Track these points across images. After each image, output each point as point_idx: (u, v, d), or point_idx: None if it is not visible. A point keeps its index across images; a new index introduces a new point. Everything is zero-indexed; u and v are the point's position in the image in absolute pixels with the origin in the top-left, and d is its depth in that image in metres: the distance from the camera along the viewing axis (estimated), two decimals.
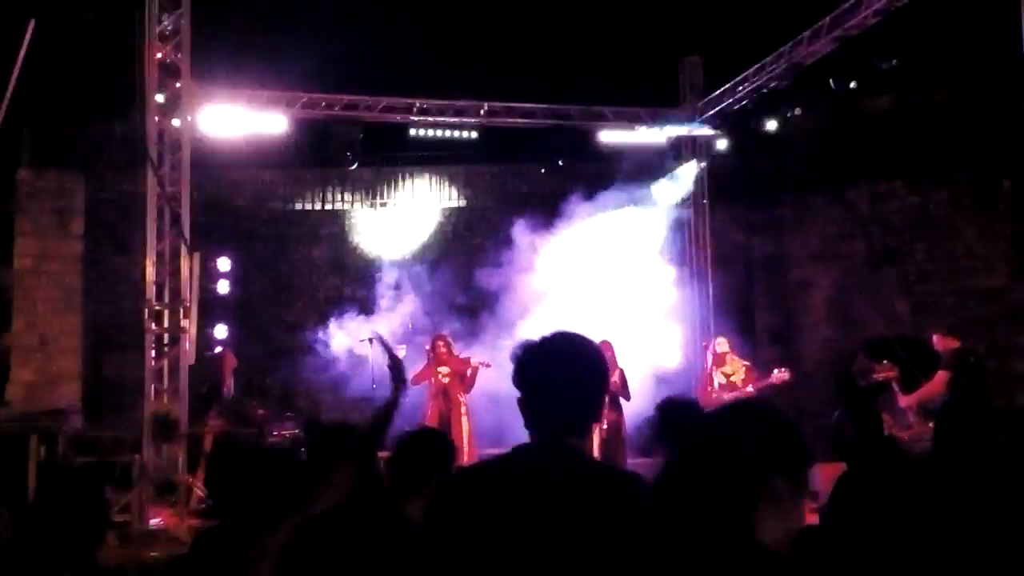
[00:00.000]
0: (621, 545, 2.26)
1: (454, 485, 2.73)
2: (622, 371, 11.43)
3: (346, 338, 14.11)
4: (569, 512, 2.36)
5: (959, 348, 10.40)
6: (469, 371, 11.87)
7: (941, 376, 10.05)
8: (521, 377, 2.59)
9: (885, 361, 10.65)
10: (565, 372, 2.55)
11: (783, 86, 13.62)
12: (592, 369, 2.61)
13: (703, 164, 15.22)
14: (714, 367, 11.76)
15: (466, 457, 11.54)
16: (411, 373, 12.20)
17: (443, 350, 11.81)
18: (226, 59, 12.80)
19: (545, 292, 13.80)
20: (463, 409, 11.79)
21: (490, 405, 13.57)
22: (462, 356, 12.00)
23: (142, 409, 11.11)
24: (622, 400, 11.31)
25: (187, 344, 11.27)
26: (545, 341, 2.62)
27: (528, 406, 2.57)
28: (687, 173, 15.45)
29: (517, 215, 14.60)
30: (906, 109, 13.67)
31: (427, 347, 12.22)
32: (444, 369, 11.74)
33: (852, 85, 12.37)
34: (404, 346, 14.03)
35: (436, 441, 4.04)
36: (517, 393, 2.59)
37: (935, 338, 10.56)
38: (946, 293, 14.43)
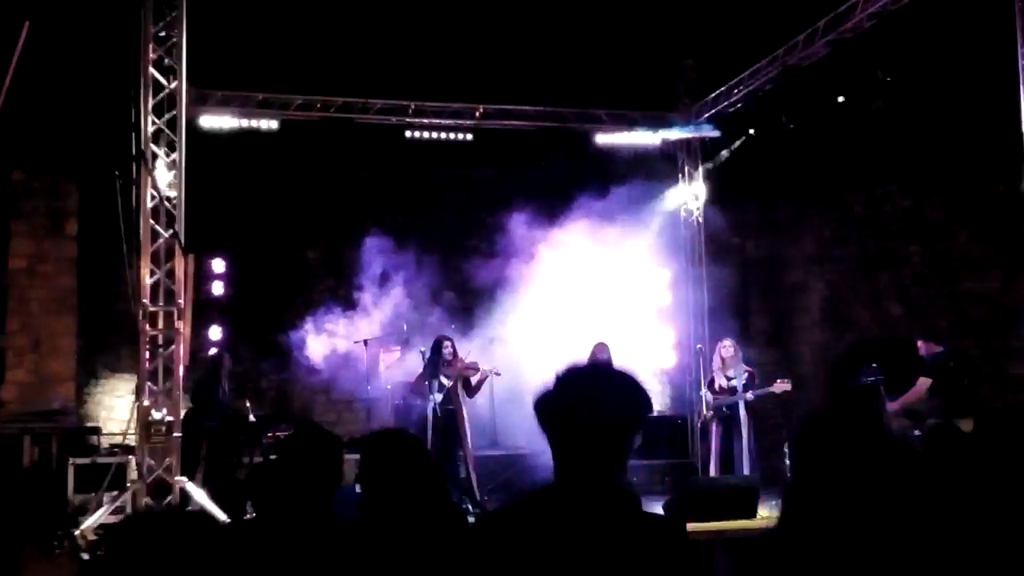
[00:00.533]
0: None
1: (478, 530, 2.63)
2: None
3: (340, 340, 14.13)
4: (600, 562, 2.29)
5: (940, 353, 10.67)
6: (477, 376, 11.82)
7: (923, 382, 10.35)
8: (549, 413, 2.46)
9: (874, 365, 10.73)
10: (595, 409, 2.42)
11: (778, 89, 13.66)
12: (628, 407, 2.48)
13: (704, 166, 15.24)
14: (720, 370, 11.76)
15: (470, 461, 11.51)
16: (414, 375, 12.21)
17: (448, 352, 11.74)
18: (221, 60, 12.79)
19: (541, 293, 13.83)
20: (465, 413, 11.77)
21: (487, 404, 13.63)
22: (467, 360, 11.93)
23: (136, 410, 11.11)
24: None
25: (181, 346, 11.26)
26: (581, 376, 2.50)
27: (555, 442, 2.45)
28: (681, 175, 15.49)
29: (513, 217, 14.62)
30: (901, 113, 13.68)
31: (421, 349, 12.20)
32: (450, 372, 11.69)
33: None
34: (398, 348, 14.07)
35: (405, 442, 3.95)
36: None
37: (919, 343, 10.81)
38: (941, 296, 14.45)
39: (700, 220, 15.43)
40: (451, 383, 11.65)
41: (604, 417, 2.39)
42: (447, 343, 11.76)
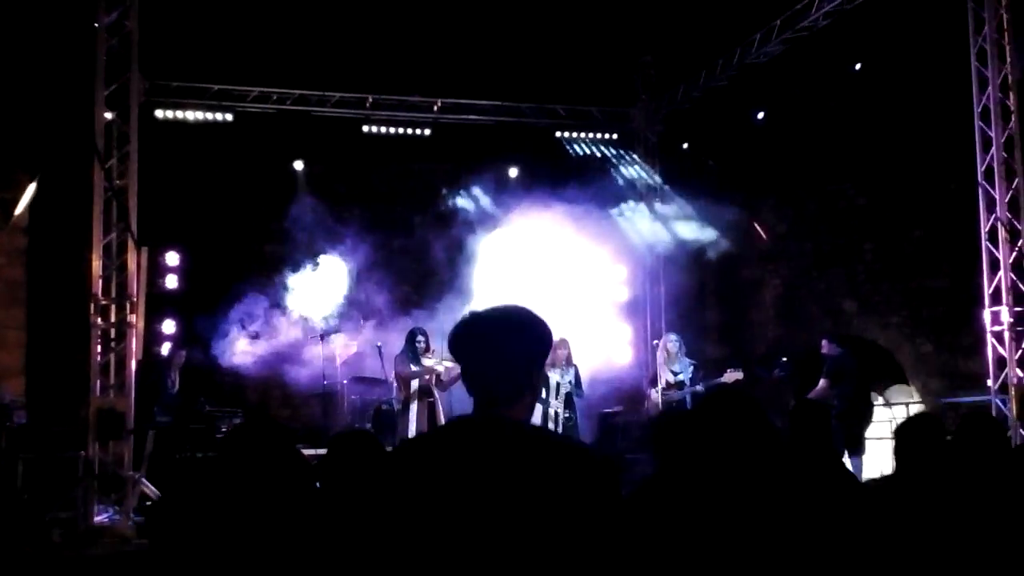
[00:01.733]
0: (562, 518, 2.27)
1: (391, 458, 2.74)
2: (576, 368, 11.47)
3: (296, 333, 14.04)
4: (503, 481, 2.35)
5: (840, 355, 11.40)
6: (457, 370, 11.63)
7: (823, 384, 11.12)
8: (458, 346, 2.63)
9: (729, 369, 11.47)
10: (497, 341, 2.58)
11: (734, 87, 13.75)
12: (527, 339, 2.63)
13: (656, 163, 15.31)
14: (664, 365, 11.81)
15: None
16: (389, 369, 12.08)
17: (422, 345, 11.54)
18: (176, 51, 12.66)
19: (498, 288, 13.80)
20: (440, 406, 11.60)
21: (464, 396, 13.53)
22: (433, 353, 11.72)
23: (87, 405, 10.97)
24: (575, 398, 11.36)
25: (134, 339, 11.13)
26: (484, 312, 2.66)
27: (465, 376, 2.61)
28: (639, 172, 15.55)
29: (469, 212, 14.60)
30: (855, 112, 13.82)
31: (378, 343, 12.10)
32: (429, 364, 11.50)
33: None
34: (355, 342, 13.99)
35: (368, 442, 4.02)
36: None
37: (823, 343, 11.62)
38: (893, 293, 14.62)
39: (656, 216, 15.46)
40: (429, 376, 11.48)
41: (508, 351, 2.56)
42: (420, 336, 11.55)
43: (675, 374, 11.61)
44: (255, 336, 13.93)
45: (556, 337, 11.71)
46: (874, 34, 12.38)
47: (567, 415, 11.20)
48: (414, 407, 11.23)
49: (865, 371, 11.68)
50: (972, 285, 11.53)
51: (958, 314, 13.27)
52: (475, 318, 2.63)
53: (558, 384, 11.25)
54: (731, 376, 11.40)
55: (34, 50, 12.16)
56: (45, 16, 11.96)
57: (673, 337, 11.94)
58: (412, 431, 11.07)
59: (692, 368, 11.63)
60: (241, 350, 13.94)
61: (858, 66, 12.96)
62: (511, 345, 2.58)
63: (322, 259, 14.31)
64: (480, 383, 2.57)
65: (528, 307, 2.69)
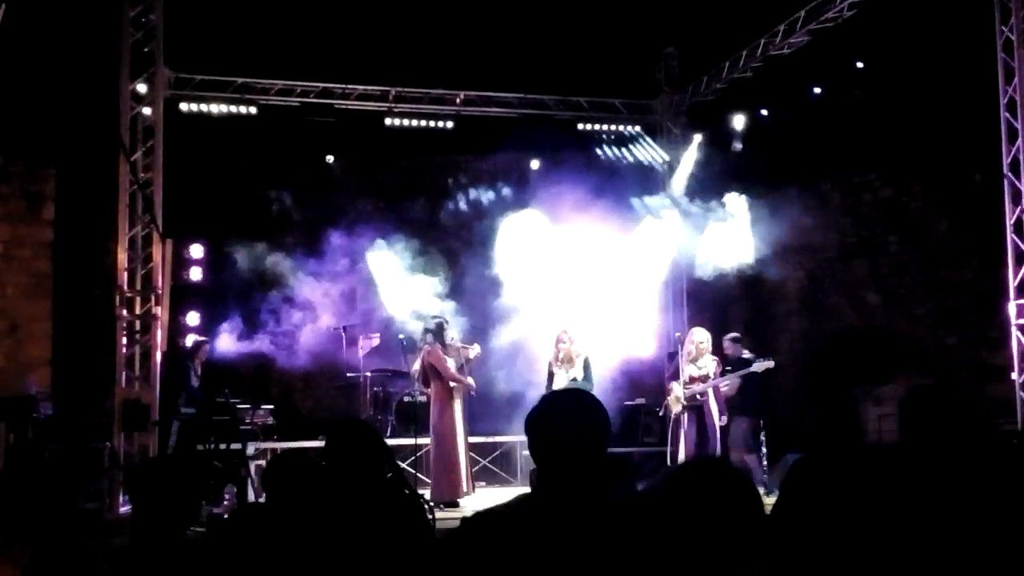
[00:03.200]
0: None
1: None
2: (586, 358, 11.47)
3: (319, 326, 14.10)
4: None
5: (743, 358, 11.98)
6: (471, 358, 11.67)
7: (735, 383, 11.59)
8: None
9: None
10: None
11: (759, 78, 13.69)
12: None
13: (690, 155, 15.17)
14: (688, 360, 11.76)
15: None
16: (411, 361, 12.12)
17: (451, 337, 11.54)
18: (200, 46, 12.72)
19: (522, 282, 13.80)
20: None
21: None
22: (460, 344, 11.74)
23: (113, 396, 11.07)
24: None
25: (158, 331, 11.22)
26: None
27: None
28: (662, 164, 15.50)
29: (493, 205, 14.60)
30: (879, 102, 13.73)
31: (400, 336, 12.11)
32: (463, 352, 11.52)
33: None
34: (377, 335, 14.04)
35: (367, 432, 4.22)
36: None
37: (725, 343, 12.38)
38: (917, 285, 14.53)
39: (679, 208, 15.39)
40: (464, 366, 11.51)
41: (580, 442, 2.79)
42: (447, 327, 11.55)
43: (699, 368, 11.58)
44: (278, 328, 14.00)
45: (559, 330, 11.76)
46: (900, 24, 12.29)
47: None
48: (458, 404, 11.24)
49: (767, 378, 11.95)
50: (997, 277, 11.46)
51: (983, 306, 13.18)
52: (553, 410, 2.91)
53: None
54: (761, 365, 11.39)
55: (60, 44, 12.25)
56: (71, 10, 12.04)
57: (701, 332, 11.86)
58: (460, 430, 11.09)
59: (715, 363, 11.59)
60: (263, 342, 14.03)
61: (859, 63, 12.90)
62: (585, 439, 2.81)
63: (345, 251, 14.35)
64: (554, 467, 2.78)
65: (593, 397, 3.00)
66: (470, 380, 11.50)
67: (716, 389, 11.38)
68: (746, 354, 12.13)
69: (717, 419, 11.36)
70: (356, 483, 4.00)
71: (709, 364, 11.54)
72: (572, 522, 2.62)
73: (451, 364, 11.25)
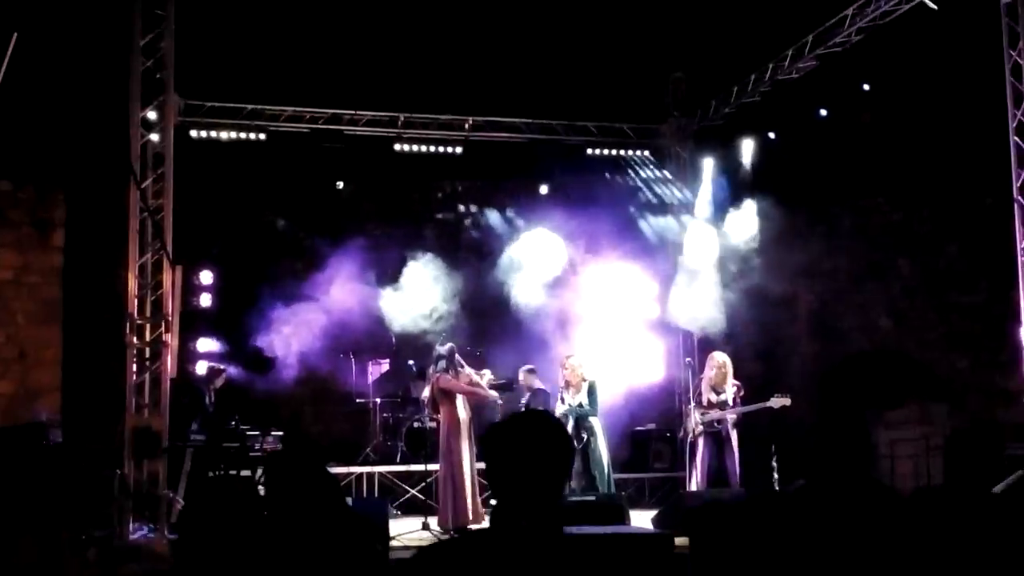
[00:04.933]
0: None
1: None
2: (592, 384, 11.47)
3: (329, 351, 14.07)
4: None
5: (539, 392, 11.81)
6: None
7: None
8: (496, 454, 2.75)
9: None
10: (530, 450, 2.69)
11: (767, 103, 13.70)
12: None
13: (707, 180, 15.15)
14: (708, 384, 11.68)
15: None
16: (421, 387, 12.09)
17: (459, 362, 11.56)
18: (210, 72, 12.77)
19: (528, 305, 13.79)
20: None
21: None
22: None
23: (123, 423, 11.05)
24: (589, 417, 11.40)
25: (168, 358, 11.21)
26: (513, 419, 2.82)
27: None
28: (670, 188, 15.50)
29: (500, 229, 14.61)
30: (889, 126, 13.73)
31: (411, 362, 12.08)
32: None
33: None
34: (386, 360, 14.02)
35: (308, 460, 4.29)
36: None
37: (520, 374, 12.04)
38: (928, 308, 14.49)
39: (689, 232, 15.39)
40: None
41: (539, 465, 2.66)
42: (457, 354, 11.58)
43: (718, 394, 11.48)
44: (287, 354, 13.98)
45: (564, 356, 11.74)
46: (908, 49, 12.30)
47: (581, 438, 11.15)
48: (466, 431, 11.17)
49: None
50: (1009, 300, 11.41)
51: (995, 330, 13.12)
52: (510, 433, 2.74)
53: (564, 415, 11.22)
54: (777, 402, 11.18)
55: (70, 71, 12.30)
56: (81, 37, 12.09)
57: (720, 356, 11.80)
58: (467, 456, 11.03)
59: (735, 389, 11.48)
60: (272, 367, 14.00)
61: (867, 87, 12.92)
62: (544, 463, 2.68)
63: (354, 277, 14.34)
64: (511, 493, 2.66)
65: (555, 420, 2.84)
66: (493, 392, 11.49)
67: (737, 418, 11.30)
68: (537, 383, 11.92)
69: (736, 449, 11.27)
70: (293, 511, 3.99)
71: (729, 391, 11.43)
72: (523, 555, 2.57)
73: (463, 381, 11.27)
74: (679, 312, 14.32)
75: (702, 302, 14.22)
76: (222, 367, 13.00)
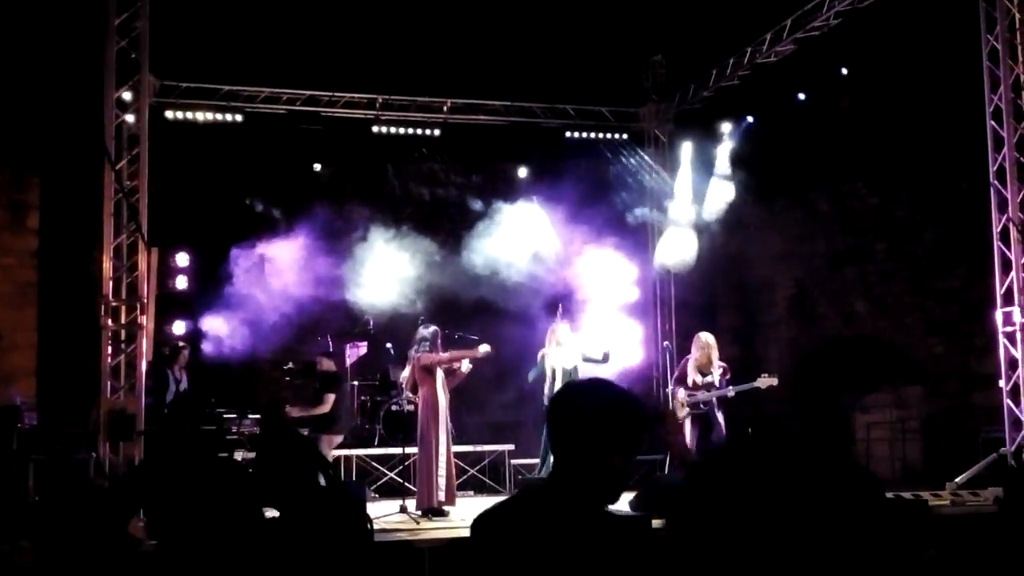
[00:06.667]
0: None
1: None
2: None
3: (306, 334, 14.03)
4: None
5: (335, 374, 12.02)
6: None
7: (328, 398, 11.57)
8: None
9: None
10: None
11: (746, 87, 13.70)
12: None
13: (686, 164, 15.13)
14: (695, 365, 11.55)
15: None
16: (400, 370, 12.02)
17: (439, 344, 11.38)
18: (186, 53, 12.67)
19: (506, 288, 13.77)
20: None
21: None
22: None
23: (98, 406, 10.98)
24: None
25: (144, 341, 11.14)
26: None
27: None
28: (649, 171, 15.49)
29: (479, 210, 14.57)
30: (867, 111, 13.76)
31: (388, 344, 12.02)
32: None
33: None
34: (364, 343, 13.97)
35: (299, 442, 4.29)
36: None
37: (319, 359, 12.10)
38: (905, 293, 14.56)
39: (667, 216, 15.38)
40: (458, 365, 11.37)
41: (592, 427, 2.65)
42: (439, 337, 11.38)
43: (704, 375, 11.36)
44: (263, 336, 13.92)
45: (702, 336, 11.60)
46: (886, 33, 12.32)
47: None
48: (444, 413, 11.02)
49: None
50: (985, 285, 11.47)
51: (971, 315, 13.21)
52: (574, 394, 2.78)
53: (554, 371, 11.14)
54: (765, 382, 11.03)
55: (44, 51, 12.18)
56: (55, 17, 11.97)
57: (710, 339, 11.63)
58: (444, 438, 10.88)
59: (721, 371, 11.37)
60: (249, 349, 13.94)
61: (845, 71, 12.94)
62: (597, 425, 2.67)
63: (332, 259, 14.28)
64: (562, 453, 2.68)
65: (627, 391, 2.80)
66: (483, 347, 11.21)
67: (722, 400, 11.21)
68: (326, 363, 12.02)
69: (724, 428, 11.19)
70: (284, 491, 4.02)
71: (716, 372, 11.31)
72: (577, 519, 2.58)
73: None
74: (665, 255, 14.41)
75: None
76: (181, 344, 12.88)
